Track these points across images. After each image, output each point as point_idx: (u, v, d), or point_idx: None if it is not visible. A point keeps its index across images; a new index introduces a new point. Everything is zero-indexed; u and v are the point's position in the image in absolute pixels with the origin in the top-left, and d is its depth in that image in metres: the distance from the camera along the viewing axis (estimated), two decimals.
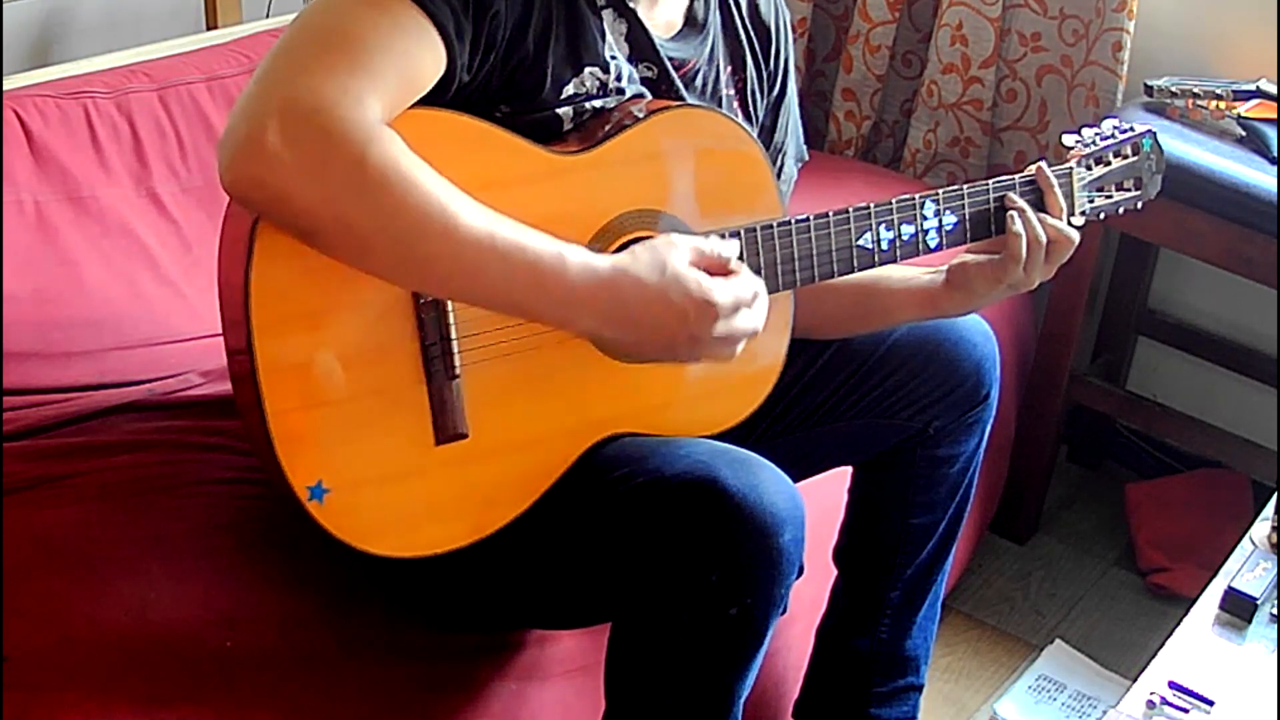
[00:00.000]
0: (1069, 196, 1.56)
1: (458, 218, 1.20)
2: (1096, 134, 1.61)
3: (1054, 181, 1.52)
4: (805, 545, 1.32)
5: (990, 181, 1.51)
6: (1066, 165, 1.57)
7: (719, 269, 1.30)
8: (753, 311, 1.31)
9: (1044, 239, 1.49)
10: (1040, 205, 1.51)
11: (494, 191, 1.30)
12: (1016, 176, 1.53)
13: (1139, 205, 1.64)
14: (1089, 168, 1.58)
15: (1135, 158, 1.61)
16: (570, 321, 1.26)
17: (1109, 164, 1.60)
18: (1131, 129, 1.62)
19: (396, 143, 1.19)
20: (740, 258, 1.37)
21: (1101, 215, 1.61)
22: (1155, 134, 1.62)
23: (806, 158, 1.67)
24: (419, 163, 1.20)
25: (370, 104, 1.19)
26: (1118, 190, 1.61)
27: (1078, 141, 1.60)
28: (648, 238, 1.38)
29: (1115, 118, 1.66)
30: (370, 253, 1.21)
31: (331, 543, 1.29)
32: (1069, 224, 1.54)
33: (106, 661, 1.33)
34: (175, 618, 1.38)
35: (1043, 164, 1.53)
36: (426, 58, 1.24)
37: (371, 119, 1.18)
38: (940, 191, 1.49)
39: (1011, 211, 1.49)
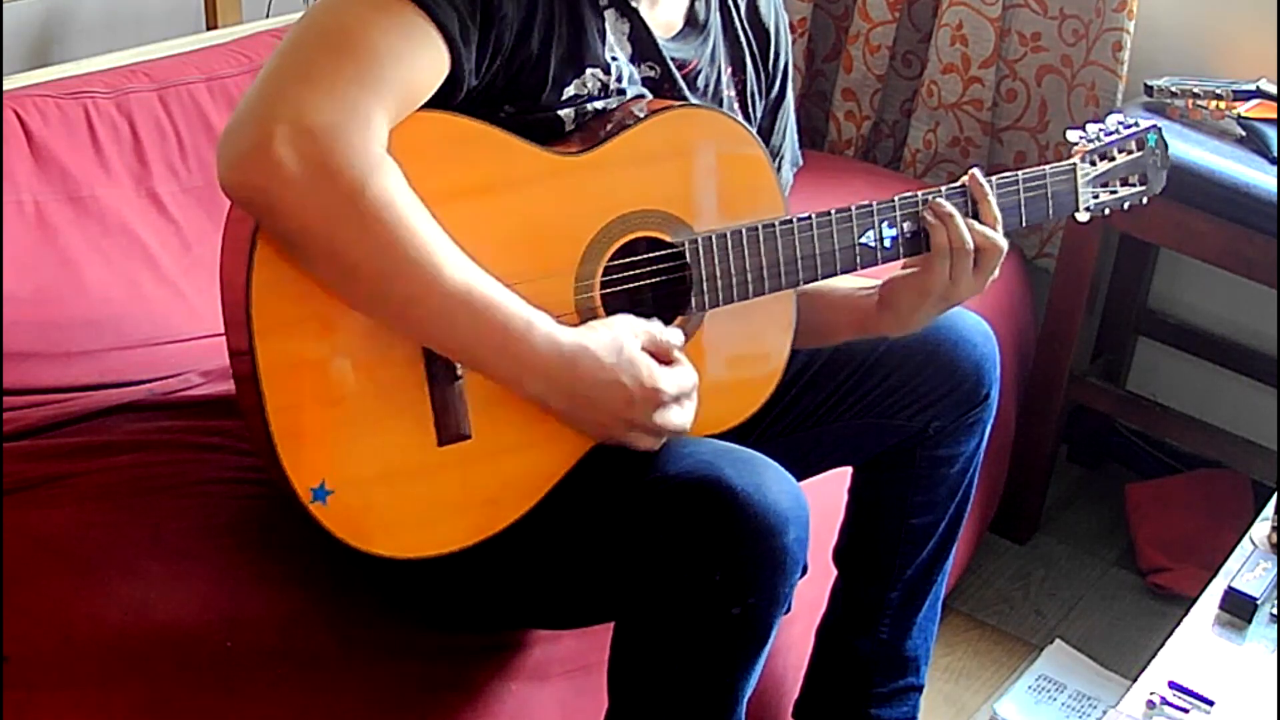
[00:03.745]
0: (1073, 193, 1.56)
1: (441, 266, 1.22)
2: (1101, 129, 1.60)
3: (988, 191, 1.48)
4: (808, 544, 1.32)
5: (943, 186, 1.48)
6: (1070, 161, 1.56)
7: (664, 357, 1.34)
8: (685, 409, 1.35)
9: (970, 246, 1.46)
10: (975, 215, 1.48)
11: (495, 193, 1.30)
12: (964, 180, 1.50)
13: (1144, 200, 1.63)
14: (1093, 163, 1.58)
15: (1140, 153, 1.61)
16: (523, 384, 1.29)
17: (1113, 159, 1.59)
18: (1136, 124, 1.61)
19: (395, 177, 1.21)
20: (723, 262, 1.39)
21: (1106, 211, 1.61)
22: (1160, 129, 1.62)
23: (801, 163, 1.67)
24: (414, 203, 1.22)
25: (377, 123, 1.20)
26: (1122, 186, 1.60)
27: (1082, 137, 1.59)
28: (649, 238, 1.39)
29: (1120, 113, 1.65)
30: (353, 282, 1.23)
31: (333, 543, 1.29)
32: (1075, 219, 1.52)
33: (106, 661, 1.32)
34: (175, 618, 1.38)
35: (976, 171, 1.50)
36: (431, 63, 1.24)
37: (375, 146, 1.19)
38: (944, 188, 1.49)
39: (927, 211, 1.46)
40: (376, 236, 1.20)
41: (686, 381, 1.35)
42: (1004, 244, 1.48)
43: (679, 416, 1.34)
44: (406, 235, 1.21)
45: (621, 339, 1.31)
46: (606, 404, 1.31)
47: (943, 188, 1.48)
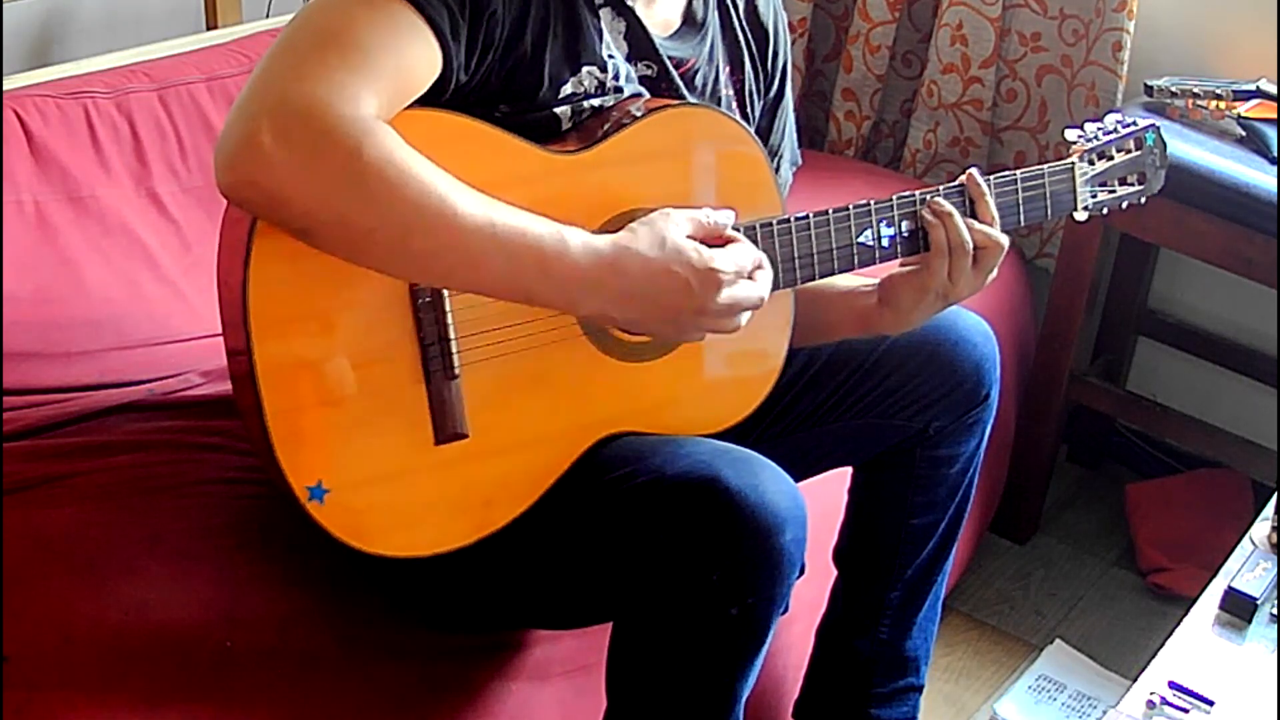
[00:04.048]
0: (1071, 192, 1.56)
1: (456, 207, 1.20)
2: (1099, 128, 1.60)
3: (985, 191, 1.48)
4: (806, 545, 1.32)
5: (940, 186, 1.48)
6: (1068, 160, 1.56)
7: (716, 239, 1.31)
8: (756, 281, 1.31)
9: (969, 244, 1.45)
10: (973, 213, 1.48)
11: (491, 192, 1.29)
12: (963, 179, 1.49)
13: (1143, 200, 1.63)
14: (1091, 162, 1.58)
15: (1139, 152, 1.61)
16: (577, 303, 1.26)
17: (1112, 158, 1.59)
18: (1134, 123, 1.61)
19: (391, 136, 1.19)
20: (736, 226, 1.37)
21: (1104, 210, 1.61)
22: (1159, 128, 1.61)
23: (800, 162, 1.67)
24: (415, 155, 1.20)
25: (365, 100, 1.19)
26: (1121, 185, 1.60)
27: (1080, 136, 1.59)
28: None
29: (1119, 112, 1.65)
30: (370, 248, 1.21)
31: (332, 543, 1.29)
32: (1074, 219, 1.52)
33: (106, 661, 1.33)
34: (175, 618, 1.38)
35: (974, 171, 1.49)
36: (421, 57, 1.24)
37: (365, 114, 1.18)
38: (941, 187, 1.48)
39: (925, 209, 1.46)
40: (383, 196, 1.18)
41: (745, 258, 1.30)
42: (1004, 241, 1.47)
43: (748, 290, 1.30)
44: (414, 186, 1.19)
45: (664, 230, 1.28)
46: (665, 298, 1.27)
47: (940, 187, 1.48)
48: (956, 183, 1.49)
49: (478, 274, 1.23)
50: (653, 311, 1.28)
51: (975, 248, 1.46)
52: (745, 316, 1.32)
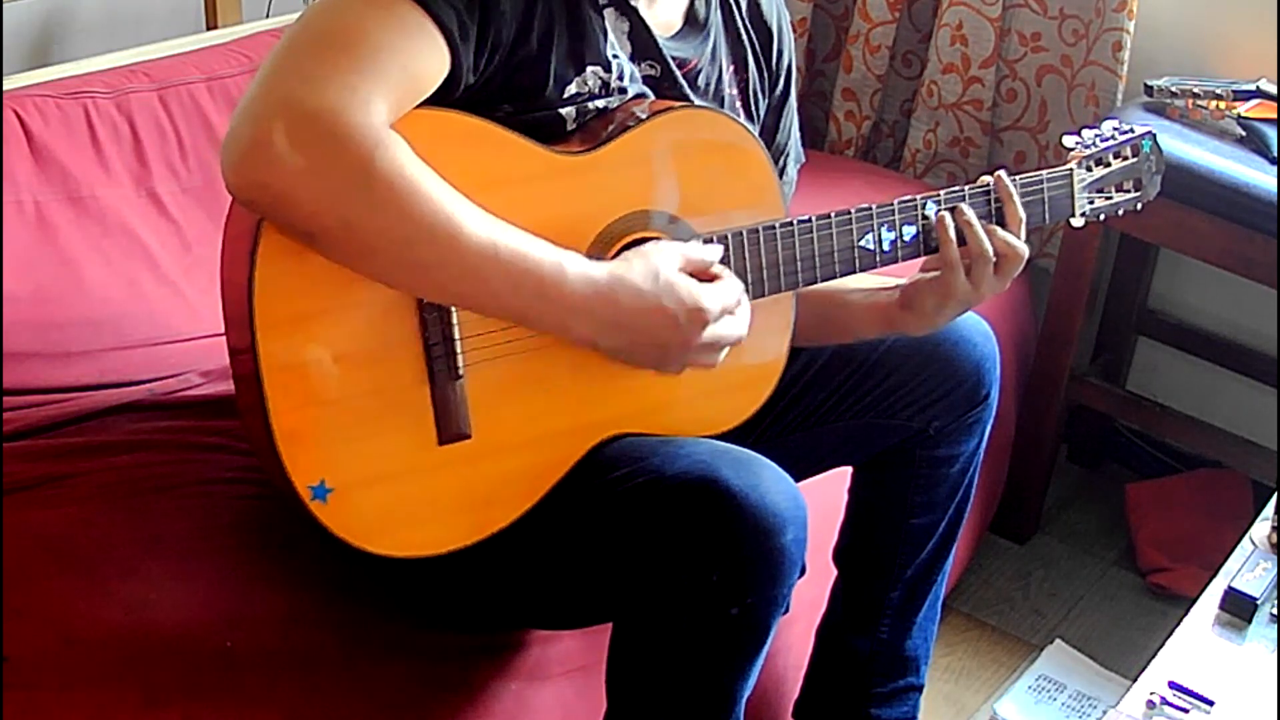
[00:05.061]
0: (1069, 198, 1.56)
1: (462, 225, 1.22)
2: (1096, 135, 1.61)
3: (1013, 192, 1.50)
4: (806, 545, 1.32)
5: (965, 188, 1.49)
6: (1066, 167, 1.57)
7: (703, 274, 1.34)
8: (737, 318, 1.35)
9: (991, 253, 1.47)
10: (1000, 216, 1.50)
11: (497, 191, 1.30)
12: (988, 181, 1.50)
13: (1138, 207, 1.64)
14: (1089, 169, 1.58)
15: (1135, 159, 1.61)
16: (569, 328, 1.28)
17: (1109, 165, 1.60)
18: (1131, 130, 1.62)
19: (403, 147, 1.20)
20: (724, 261, 1.38)
21: (1101, 217, 1.62)
22: (1155, 135, 1.63)
23: (804, 159, 1.67)
24: (424, 168, 1.21)
25: (376, 105, 1.19)
26: (1117, 191, 1.61)
27: (1078, 143, 1.60)
28: (651, 239, 1.39)
29: (1115, 119, 1.66)
30: (373, 257, 1.22)
31: (332, 542, 1.29)
32: (1070, 225, 1.54)
33: (106, 661, 1.33)
34: (175, 618, 1.38)
35: (1002, 173, 1.50)
36: (430, 58, 1.24)
37: (378, 122, 1.19)
38: (942, 192, 1.49)
39: (942, 214, 1.47)
40: (391, 207, 1.19)
41: (730, 295, 1.34)
42: (1025, 251, 1.49)
43: (730, 327, 1.34)
44: (421, 200, 1.20)
45: (657, 264, 1.31)
46: (655, 332, 1.30)
47: (965, 189, 1.49)
48: (981, 184, 1.49)
49: (475, 292, 1.25)
50: (639, 343, 1.31)
51: (997, 255, 1.47)
52: (724, 354, 1.36)
